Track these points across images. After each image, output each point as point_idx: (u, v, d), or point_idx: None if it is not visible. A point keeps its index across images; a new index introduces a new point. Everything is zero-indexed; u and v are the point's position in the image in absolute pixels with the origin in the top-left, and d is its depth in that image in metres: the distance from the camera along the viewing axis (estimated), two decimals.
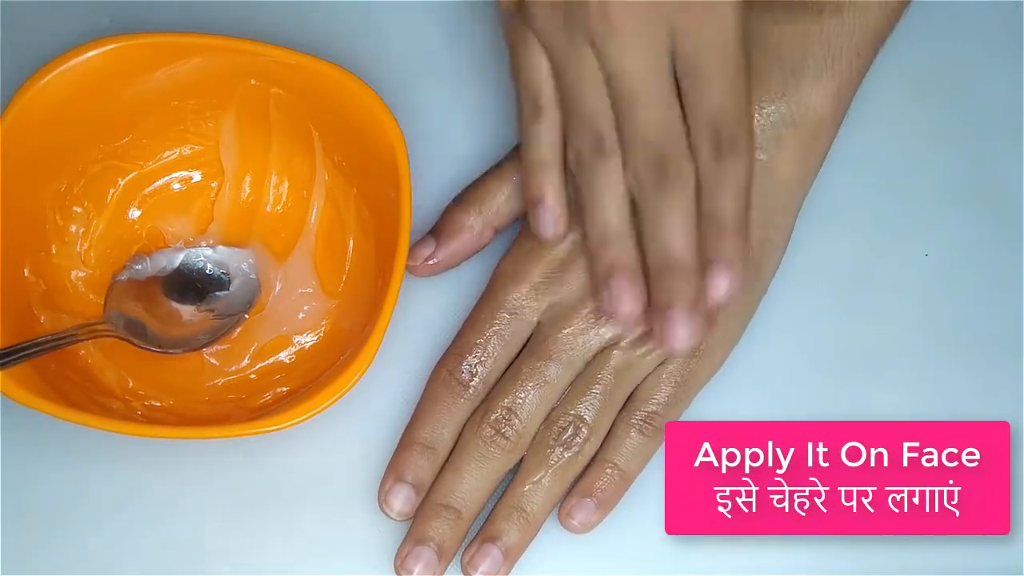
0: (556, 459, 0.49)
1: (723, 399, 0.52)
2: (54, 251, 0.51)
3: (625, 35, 0.44)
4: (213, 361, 0.52)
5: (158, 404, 0.50)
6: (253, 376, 0.51)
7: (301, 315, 0.52)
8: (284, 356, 0.52)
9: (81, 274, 0.52)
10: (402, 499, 0.49)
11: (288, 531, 0.50)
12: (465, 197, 0.52)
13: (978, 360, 0.54)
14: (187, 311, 0.52)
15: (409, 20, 0.57)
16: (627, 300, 0.46)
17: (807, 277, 0.54)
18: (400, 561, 0.49)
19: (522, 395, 0.49)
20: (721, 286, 0.46)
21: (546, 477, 0.49)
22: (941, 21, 0.58)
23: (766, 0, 0.50)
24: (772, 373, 0.53)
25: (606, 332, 0.50)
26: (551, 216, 0.47)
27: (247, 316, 0.52)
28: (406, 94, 0.54)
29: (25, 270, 0.50)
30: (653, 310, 0.46)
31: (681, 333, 0.46)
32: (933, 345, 0.54)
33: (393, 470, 0.50)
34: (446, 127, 0.55)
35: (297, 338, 0.52)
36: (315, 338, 0.52)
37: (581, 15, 0.44)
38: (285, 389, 0.51)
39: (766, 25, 0.50)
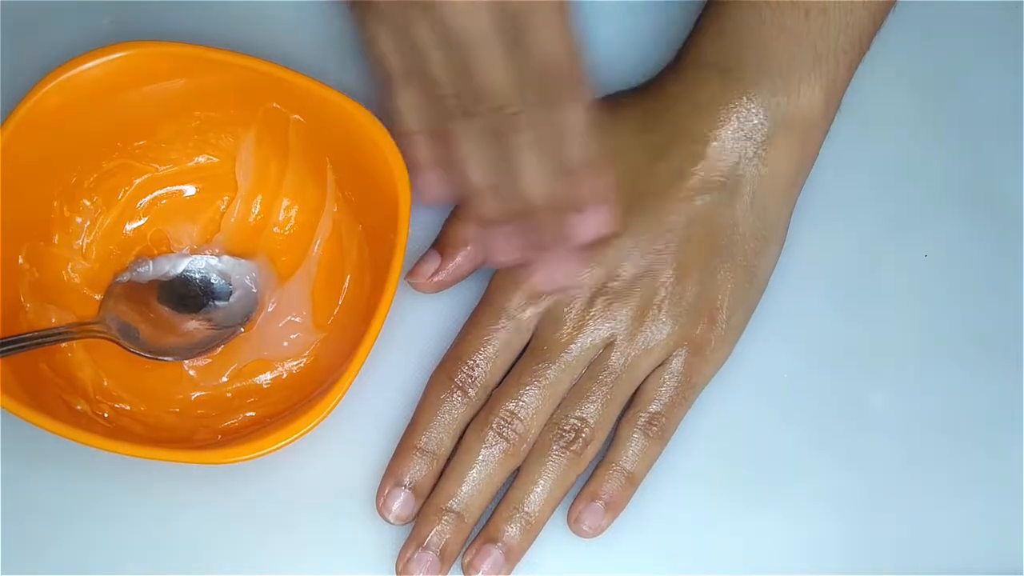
0: (558, 461, 0.49)
1: (723, 400, 0.52)
2: (56, 241, 0.51)
3: None
4: (191, 373, 0.52)
5: (127, 408, 0.50)
6: (228, 395, 0.51)
7: (286, 343, 0.52)
8: (261, 380, 0.52)
9: (79, 267, 0.52)
10: (400, 503, 0.49)
11: (288, 533, 0.50)
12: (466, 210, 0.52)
13: (977, 360, 0.53)
14: (184, 319, 0.52)
15: None
16: (505, 250, 0.46)
17: (807, 277, 0.54)
18: (402, 565, 0.49)
19: (524, 398, 0.49)
20: (587, 226, 0.46)
21: (548, 479, 0.49)
22: (941, 21, 0.57)
23: (754, 1, 0.50)
24: (772, 373, 0.53)
25: (603, 333, 0.50)
26: (428, 182, 0.47)
27: (243, 330, 0.52)
28: None
29: (20, 257, 0.50)
30: (527, 255, 0.46)
31: (555, 272, 0.46)
32: (933, 345, 0.54)
33: (391, 474, 0.50)
34: None
35: (277, 365, 0.52)
36: (295, 368, 0.52)
37: None
38: (252, 414, 0.51)
39: (754, 25, 0.50)
